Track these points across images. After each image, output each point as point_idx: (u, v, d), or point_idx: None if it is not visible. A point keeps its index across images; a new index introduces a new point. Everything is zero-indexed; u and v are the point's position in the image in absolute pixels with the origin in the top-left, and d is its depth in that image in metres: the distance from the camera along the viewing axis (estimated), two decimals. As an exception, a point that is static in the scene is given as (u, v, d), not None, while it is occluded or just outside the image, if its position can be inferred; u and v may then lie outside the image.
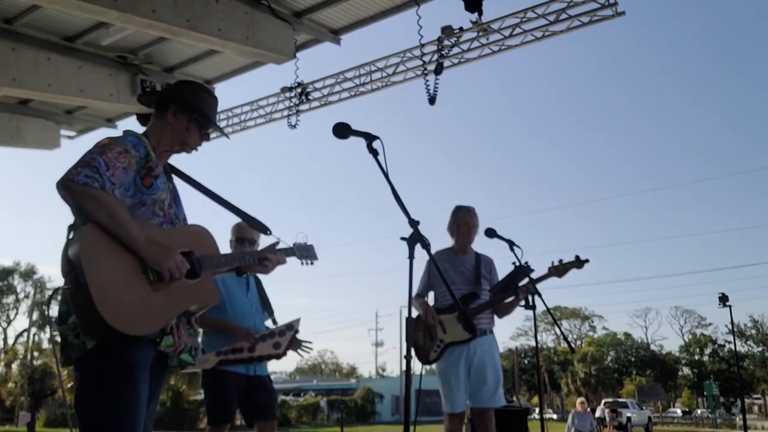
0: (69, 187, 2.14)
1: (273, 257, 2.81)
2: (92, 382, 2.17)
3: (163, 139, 2.51)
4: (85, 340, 2.17)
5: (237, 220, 2.79)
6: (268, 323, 4.36)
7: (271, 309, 4.42)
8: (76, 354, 2.19)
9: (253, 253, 2.76)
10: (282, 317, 4.40)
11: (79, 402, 2.18)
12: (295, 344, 4.25)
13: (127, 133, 2.45)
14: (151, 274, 2.21)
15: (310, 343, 4.30)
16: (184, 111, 2.53)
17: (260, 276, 4.47)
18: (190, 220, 2.59)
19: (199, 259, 2.39)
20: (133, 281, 2.18)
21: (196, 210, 2.63)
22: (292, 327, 4.22)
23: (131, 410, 2.16)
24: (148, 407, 2.29)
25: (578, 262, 4.47)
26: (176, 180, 2.63)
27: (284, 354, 4.20)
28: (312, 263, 3.00)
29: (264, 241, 3.98)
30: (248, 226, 3.78)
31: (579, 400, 17.02)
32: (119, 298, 2.12)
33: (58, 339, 2.29)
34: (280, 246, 2.88)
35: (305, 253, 2.94)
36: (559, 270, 4.46)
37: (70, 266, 2.14)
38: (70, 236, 2.23)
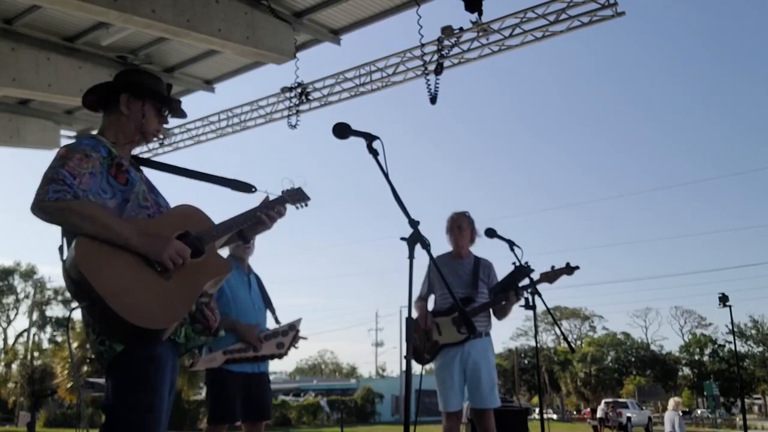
0: (43, 208, 2.09)
1: (272, 212, 2.68)
2: (125, 378, 2.17)
3: (122, 133, 2.44)
4: (112, 344, 2.17)
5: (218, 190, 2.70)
6: (269, 322, 4.45)
7: (273, 307, 4.52)
8: (107, 359, 2.20)
9: (248, 212, 2.62)
10: (282, 317, 4.51)
11: (112, 399, 2.17)
12: (295, 341, 4.40)
13: (81, 137, 2.42)
14: (157, 265, 2.17)
15: (304, 338, 4.44)
16: (136, 98, 2.45)
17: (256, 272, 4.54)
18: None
19: (197, 236, 2.33)
20: (142, 277, 2.14)
21: (179, 198, 2.53)
22: (294, 327, 4.40)
23: (156, 408, 2.19)
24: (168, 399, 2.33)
25: (568, 269, 4.57)
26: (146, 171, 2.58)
27: (286, 353, 4.34)
28: (306, 205, 2.89)
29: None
30: None
31: (673, 399, 16.04)
32: (136, 298, 2.09)
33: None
34: (272, 198, 2.75)
35: (297, 196, 2.82)
36: (550, 276, 4.56)
37: (76, 285, 2.09)
38: (65, 257, 2.18)
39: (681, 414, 14.71)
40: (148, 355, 2.18)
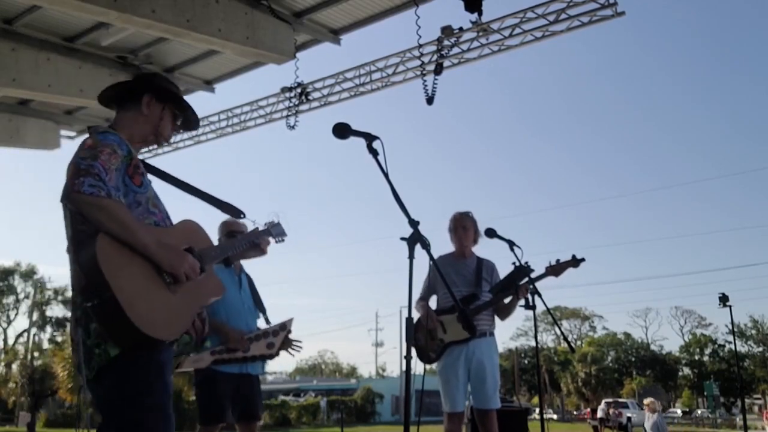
0: (76, 200, 2.13)
1: (264, 241, 2.85)
2: (128, 385, 2.18)
3: (136, 133, 2.49)
4: (107, 348, 2.17)
5: (209, 208, 2.78)
6: (260, 322, 4.37)
7: (264, 307, 4.43)
8: (98, 363, 2.19)
9: (242, 239, 2.76)
10: (282, 317, 4.43)
11: (114, 407, 2.19)
12: (287, 344, 4.29)
13: (106, 131, 2.39)
14: (166, 277, 2.23)
15: (300, 342, 4.33)
16: (158, 100, 2.52)
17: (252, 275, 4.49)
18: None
19: (200, 254, 2.41)
20: (153, 286, 2.20)
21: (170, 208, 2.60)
22: (285, 327, 4.27)
23: (168, 408, 2.22)
24: None
25: (574, 261, 4.55)
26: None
27: (277, 354, 4.24)
28: (283, 240, 3.10)
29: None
30: (236, 221, 3.79)
31: (647, 400, 16.16)
32: (146, 305, 2.14)
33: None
34: (261, 229, 2.92)
35: (277, 231, 2.98)
36: (556, 269, 4.53)
37: (91, 282, 2.12)
38: (82, 250, 2.18)
39: (652, 412, 14.98)
40: (151, 360, 2.20)
